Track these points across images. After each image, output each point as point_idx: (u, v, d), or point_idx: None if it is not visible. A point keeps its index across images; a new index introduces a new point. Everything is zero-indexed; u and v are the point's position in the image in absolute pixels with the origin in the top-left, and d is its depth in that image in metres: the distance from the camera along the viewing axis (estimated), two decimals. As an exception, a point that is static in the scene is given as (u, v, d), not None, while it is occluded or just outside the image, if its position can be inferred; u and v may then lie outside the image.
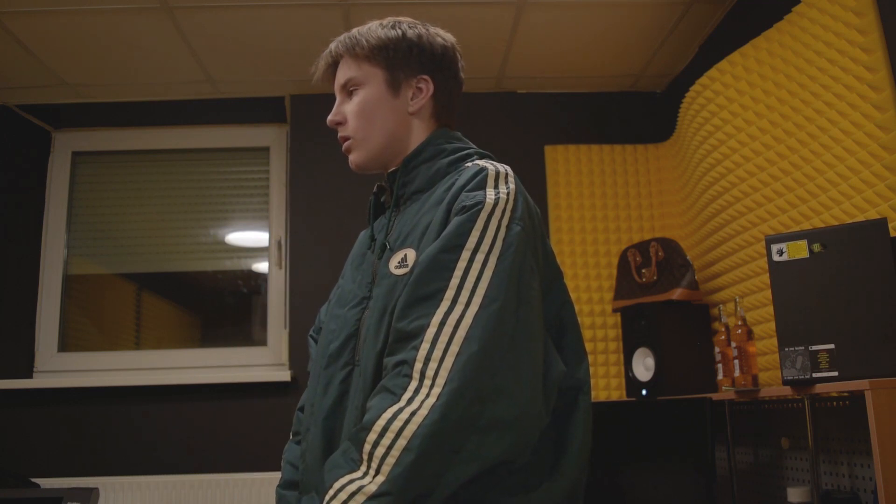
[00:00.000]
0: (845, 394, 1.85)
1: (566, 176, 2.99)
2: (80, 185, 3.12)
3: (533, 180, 2.98)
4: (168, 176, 3.15)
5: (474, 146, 1.21)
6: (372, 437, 0.88)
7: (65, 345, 2.97)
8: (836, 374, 1.54)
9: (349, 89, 1.18)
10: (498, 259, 0.95)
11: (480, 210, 0.98)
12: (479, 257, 0.95)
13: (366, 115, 1.16)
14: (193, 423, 2.79)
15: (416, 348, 0.90)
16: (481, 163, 1.10)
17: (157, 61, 2.81)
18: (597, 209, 2.96)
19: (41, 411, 2.79)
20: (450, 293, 0.92)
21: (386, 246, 1.10)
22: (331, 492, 0.88)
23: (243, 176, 3.15)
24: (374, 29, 1.19)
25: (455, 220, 0.98)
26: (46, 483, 2.56)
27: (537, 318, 0.97)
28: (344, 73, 1.18)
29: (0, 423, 2.78)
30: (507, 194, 1.01)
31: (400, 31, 1.18)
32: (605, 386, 2.80)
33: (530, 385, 0.92)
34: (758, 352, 2.16)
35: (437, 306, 0.92)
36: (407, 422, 0.86)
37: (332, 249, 2.91)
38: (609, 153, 3.03)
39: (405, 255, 1.05)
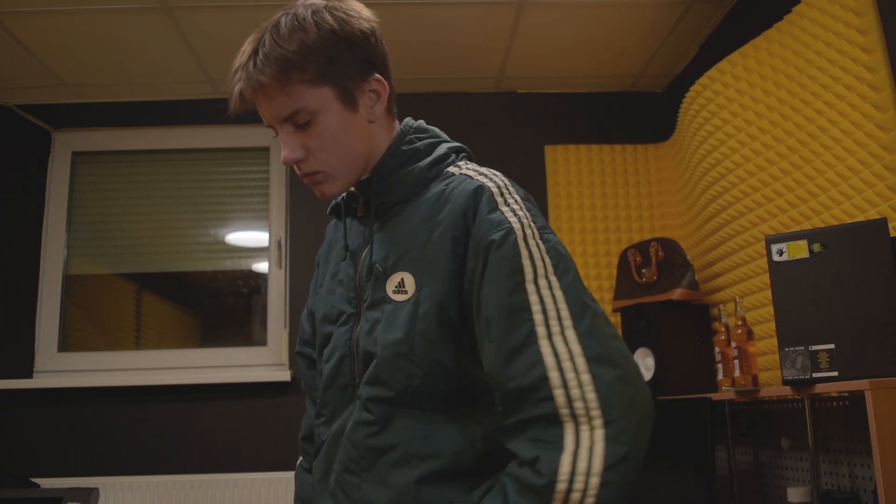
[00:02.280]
0: (845, 394, 1.84)
1: (566, 176, 2.99)
2: (80, 185, 3.12)
3: (533, 180, 2.99)
4: (168, 176, 3.15)
5: (442, 134, 1.14)
6: (562, 486, 0.83)
7: (65, 345, 2.97)
8: (836, 374, 1.54)
9: (297, 121, 1.00)
10: (557, 275, 0.93)
11: (515, 238, 0.93)
12: (543, 283, 0.92)
13: (335, 146, 1.01)
14: (193, 423, 2.79)
15: (551, 398, 0.86)
16: (471, 174, 1.04)
17: (157, 61, 2.81)
18: (597, 209, 2.96)
19: (41, 411, 2.79)
20: (541, 330, 0.89)
21: (377, 268, 1.03)
22: None
23: (243, 176, 3.15)
24: (295, 34, 0.97)
25: (496, 258, 0.93)
26: (46, 483, 2.56)
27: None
28: (283, 105, 0.99)
29: (0, 423, 2.78)
30: (521, 208, 0.98)
31: (325, 28, 0.98)
32: (605, 386, 2.80)
33: (636, 364, 0.93)
34: (758, 352, 2.16)
35: (540, 349, 0.88)
36: (590, 459, 0.84)
37: (332, 249, 2.90)
38: (609, 153, 3.03)
39: (402, 279, 1.00)
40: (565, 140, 3.04)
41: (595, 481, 0.83)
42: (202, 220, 3.12)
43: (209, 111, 3.12)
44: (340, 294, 1.09)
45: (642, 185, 3.01)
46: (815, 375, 1.57)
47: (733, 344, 2.12)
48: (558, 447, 0.85)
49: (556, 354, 0.88)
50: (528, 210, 0.98)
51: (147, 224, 3.10)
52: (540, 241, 0.94)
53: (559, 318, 0.90)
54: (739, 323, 2.12)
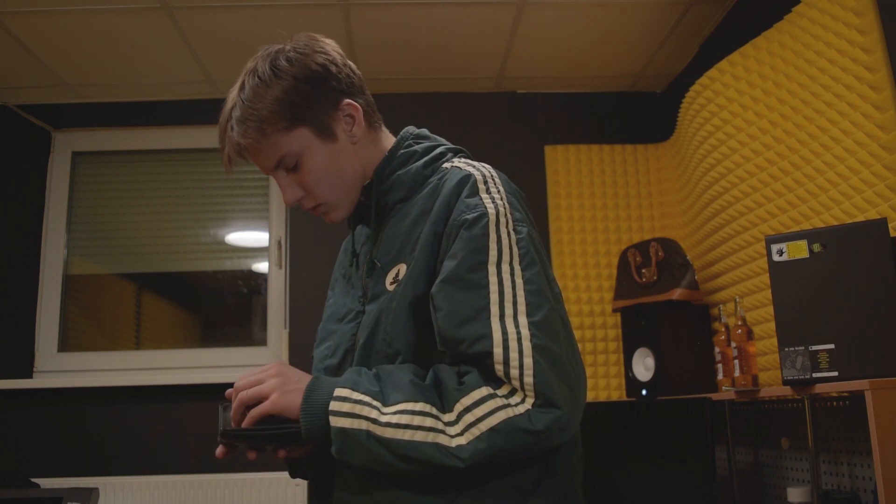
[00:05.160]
0: (845, 394, 1.84)
1: (566, 176, 2.99)
2: (80, 185, 3.12)
3: (533, 180, 2.98)
4: (168, 176, 3.15)
5: (443, 140, 1.17)
6: (467, 401, 0.88)
7: (65, 345, 2.97)
8: (836, 374, 1.54)
9: (286, 166, 1.07)
10: (522, 266, 0.95)
11: (487, 222, 0.96)
12: (505, 268, 0.94)
13: (326, 179, 1.07)
14: (193, 423, 2.79)
15: (490, 368, 0.90)
16: (461, 165, 1.07)
17: (157, 61, 2.81)
18: (597, 209, 2.96)
19: (41, 411, 2.79)
20: (494, 309, 0.92)
21: (375, 264, 1.08)
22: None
23: (243, 176, 3.15)
24: (260, 91, 1.03)
25: (465, 236, 0.96)
26: (46, 483, 2.56)
27: (565, 310, 1.01)
28: (268, 156, 1.07)
29: (0, 423, 2.78)
30: (501, 198, 1.01)
31: (285, 76, 1.03)
32: (605, 386, 2.80)
33: (582, 373, 0.95)
34: (758, 352, 2.16)
35: (490, 326, 0.91)
36: (501, 408, 0.88)
37: (332, 249, 2.89)
38: (609, 153, 3.03)
39: (398, 270, 1.04)
40: (565, 140, 3.04)
41: (490, 423, 0.87)
42: (202, 220, 3.12)
43: (209, 111, 3.10)
44: (353, 295, 1.14)
45: (642, 185, 3.01)
46: (815, 375, 1.57)
47: (733, 344, 2.12)
48: (486, 381, 0.90)
49: (504, 332, 0.90)
50: (510, 202, 1.01)
51: (147, 224, 3.10)
52: (512, 231, 0.97)
53: (514, 303, 0.92)
54: (739, 323, 2.12)
